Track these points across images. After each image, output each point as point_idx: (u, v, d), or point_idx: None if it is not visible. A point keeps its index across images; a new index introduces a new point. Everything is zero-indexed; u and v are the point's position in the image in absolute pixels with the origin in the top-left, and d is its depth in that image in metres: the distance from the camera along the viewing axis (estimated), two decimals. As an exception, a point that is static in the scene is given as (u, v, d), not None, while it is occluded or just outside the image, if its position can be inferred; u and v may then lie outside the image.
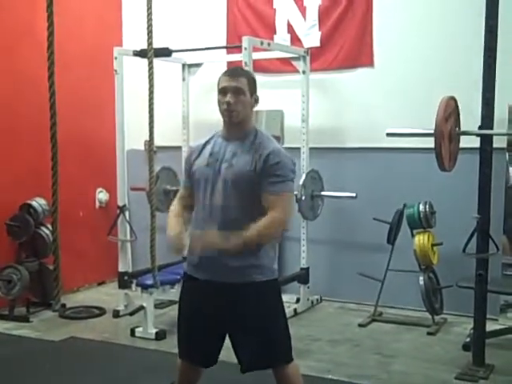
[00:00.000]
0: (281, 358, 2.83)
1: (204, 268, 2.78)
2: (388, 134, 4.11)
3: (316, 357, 4.39)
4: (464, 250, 4.05)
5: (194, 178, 2.86)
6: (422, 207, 5.02)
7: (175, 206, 2.98)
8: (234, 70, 2.90)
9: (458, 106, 3.90)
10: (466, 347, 4.38)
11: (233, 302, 2.75)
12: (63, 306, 5.48)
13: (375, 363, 4.31)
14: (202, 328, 2.82)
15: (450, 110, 3.80)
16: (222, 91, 2.77)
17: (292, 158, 2.82)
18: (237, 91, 2.74)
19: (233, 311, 2.76)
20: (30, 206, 5.44)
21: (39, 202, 5.47)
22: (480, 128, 3.93)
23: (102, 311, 5.52)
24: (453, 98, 3.85)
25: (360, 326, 5.10)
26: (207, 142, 2.89)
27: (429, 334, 4.88)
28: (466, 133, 3.96)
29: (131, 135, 5.80)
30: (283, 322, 2.87)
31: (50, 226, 5.29)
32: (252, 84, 2.82)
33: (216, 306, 2.76)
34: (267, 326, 2.78)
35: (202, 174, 2.81)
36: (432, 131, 3.68)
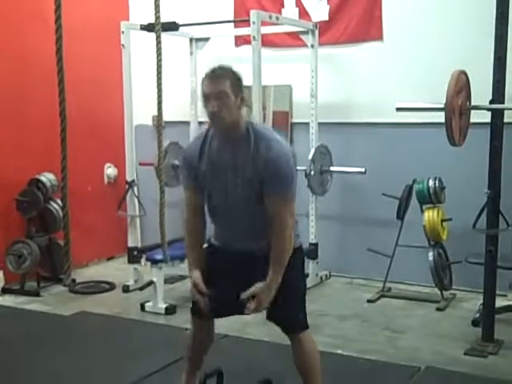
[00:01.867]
0: (299, 324, 2.86)
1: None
2: (398, 109, 4.07)
3: (325, 332, 4.40)
4: (474, 226, 4.03)
5: (202, 185, 2.84)
6: (431, 183, 4.99)
7: (188, 222, 2.91)
8: (215, 73, 2.70)
9: (468, 81, 3.85)
10: (475, 323, 4.38)
11: (258, 264, 2.75)
12: (73, 280, 5.51)
13: (384, 339, 4.32)
14: (228, 282, 2.84)
15: (461, 85, 3.76)
16: (205, 97, 2.69)
17: (292, 149, 2.79)
18: (220, 96, 2.65)
19: (258, 271, 2.75)
20: (39, 180, 5.45)
21: (48, 177, 5.47)
22: (491, 102, 3.88)
23: (111, 286, 5.56)
24: (463, 72, 3.81)
25: (369, 301, 5.11)
26: (203, 145, 2.81)
27: (438, 309, 4.88)
28: (476, 107, 3.92)
29: (139, 110, 5.78)
30: (303, 289, 2.94)
31: (59, 201, 5.32)
32: (236, 85, 2.70)
33: (241, 267, 2.80)
34: (290, 290, 2.79)
35: (210, 182, 2.80)
36: (442, 105, 3.64)
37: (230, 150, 2.75)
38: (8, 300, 5.22)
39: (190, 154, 2.88)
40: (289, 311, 2.82)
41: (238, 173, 2.73)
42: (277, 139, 2.76)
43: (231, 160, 2.74)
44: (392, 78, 5.44)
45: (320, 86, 5.47)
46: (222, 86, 2.65)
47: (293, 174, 2.74)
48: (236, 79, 2.72)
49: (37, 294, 5.31)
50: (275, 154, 2.68)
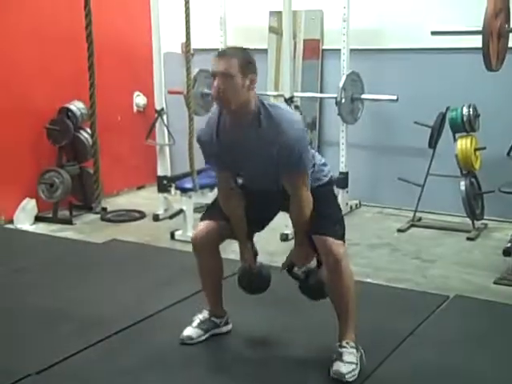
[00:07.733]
0: (334, 232, 2.84)
1: None
2: (433, 33, 3.96)
3: (355, 261, 4.37)
4: (508, 154, 3.95)
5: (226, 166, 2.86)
6: (465, 110, 4.87)
7: (224, 207, 2.93)
8: (223, 52, 2.69)
9: (508, 2, 3.70)
10: (506, 252, 4.33)
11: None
12: (104, 209, 5.58)
13: (413, 267, 4.32)
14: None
15: (500, 5, 3.62)
16: (212, 75, 2.63)
17: (303, 123, 2.82)
18: (225, 75, 2.58)
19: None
20: (69, 109, 5.45)
21: (77, 106, 5.46)
22: (532, 25, 3.75)
23: (142, 215, 5.61)
24: (503, -7, 3.66)
25: (399, 230, 5.09)
26: (217, 130, 2.77)
27: (468, 239, 4.85)
28: (516, 30, 3.79)
29: (168, 37, 5.70)
30: (340, 211, 3.05)
31: (89, 130, 5.31)
32: (245, 65, 2.61)
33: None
34: (327, 206, 2.89)
35: (229, 163, 2.81)
36: (480, 28, 3.52)
37: (241, 131, 2.71)
38: (42, 228, 5.31)
39: (206, 142, 2.83)
40: (321, 223, 2.83)
41: (252, 156, 2.73)
42: (287, 120, 2.70)
43: (244, 142, 2.72)
44: (426, 1, 5.26)
45: (352, 10, 5.30)
46: (229, 65, 2.58)
47: (306, 153, 2.72)
48: (246, 58, 2.64)
49: (69, 222, 5.39)
50: (287, 138, 2.65)
